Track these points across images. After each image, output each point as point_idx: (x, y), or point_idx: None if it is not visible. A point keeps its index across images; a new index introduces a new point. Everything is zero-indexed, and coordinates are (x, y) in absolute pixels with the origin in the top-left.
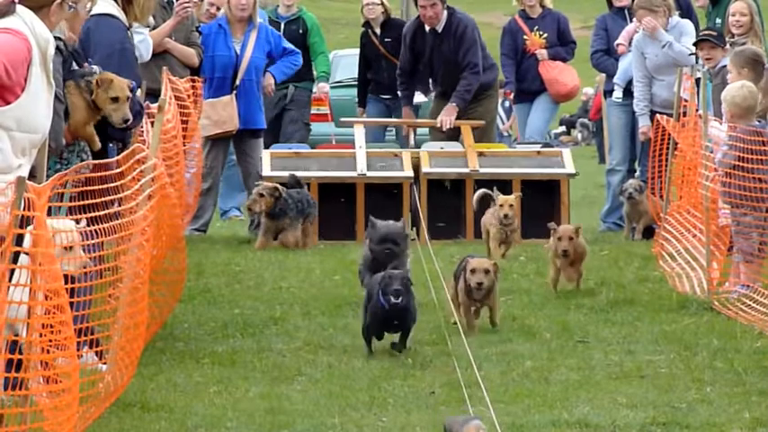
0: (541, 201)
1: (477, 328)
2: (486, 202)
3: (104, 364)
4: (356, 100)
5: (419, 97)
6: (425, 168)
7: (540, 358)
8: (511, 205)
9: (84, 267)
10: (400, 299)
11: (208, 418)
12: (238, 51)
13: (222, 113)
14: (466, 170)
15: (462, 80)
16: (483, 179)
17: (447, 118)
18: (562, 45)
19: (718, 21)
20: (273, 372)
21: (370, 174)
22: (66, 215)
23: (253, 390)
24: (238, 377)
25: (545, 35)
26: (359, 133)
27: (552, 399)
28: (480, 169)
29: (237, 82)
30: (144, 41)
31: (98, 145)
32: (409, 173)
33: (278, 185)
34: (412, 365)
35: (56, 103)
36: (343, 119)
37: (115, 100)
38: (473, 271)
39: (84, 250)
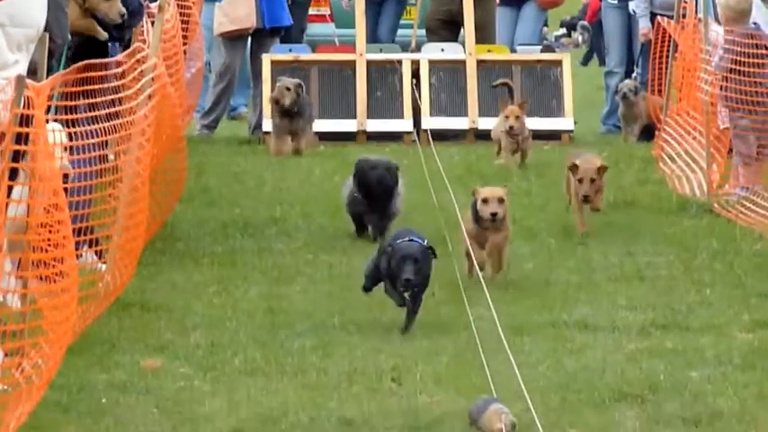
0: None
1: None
2: (503, 90)
3: (104, 263)
4: None
5: None
6: (425, 120)
7: (540, 260)
8: (517, 116)
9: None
10: (414, 278)
11: (207, 318)
12: None
13: (239, 11)
14: (465, 127)
15: None
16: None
17: None
18: None
19: None
20: (273, 272)
21: (370, 128)
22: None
23: (252, 290)
24: (238, 277)
25: None
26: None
27: (552, 300)
28: (479, 121)
29: None
30: None
31: (103, 35)
32: (408, 124)
33: (301, 82)
34: None
35: None
36: None
37: None
38: (485, 201)
39: (84, 150)
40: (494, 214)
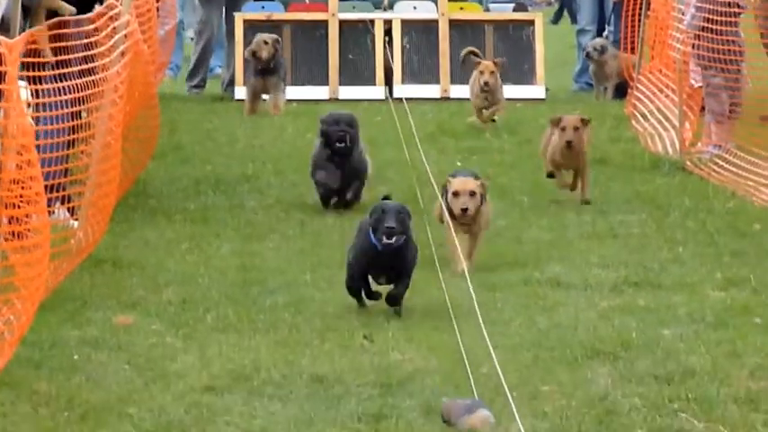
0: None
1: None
2: (471, 61)
3: (76, 220)
4: None
5: None
6: (398, 88)
7: (512, 218)
8: (492, 71)
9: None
10: (394, 239)
11: (179, 275)
12: None
13: None
14: (437, 95)
15: None
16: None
17: None
18: None
19: None
20: (246, 229)
21: (342, 96)
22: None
23: (225, 247)
24: (210, 234)
25: None
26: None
27: (525, 258)
28: (451, 88)
29: None
30: None
31: (69, 9)
32: (380, 92)
33: (278, 38)
34: None
35: None
36: None
37: None
38: (456, 194)
39: (55, 107)
40: (464, 210)
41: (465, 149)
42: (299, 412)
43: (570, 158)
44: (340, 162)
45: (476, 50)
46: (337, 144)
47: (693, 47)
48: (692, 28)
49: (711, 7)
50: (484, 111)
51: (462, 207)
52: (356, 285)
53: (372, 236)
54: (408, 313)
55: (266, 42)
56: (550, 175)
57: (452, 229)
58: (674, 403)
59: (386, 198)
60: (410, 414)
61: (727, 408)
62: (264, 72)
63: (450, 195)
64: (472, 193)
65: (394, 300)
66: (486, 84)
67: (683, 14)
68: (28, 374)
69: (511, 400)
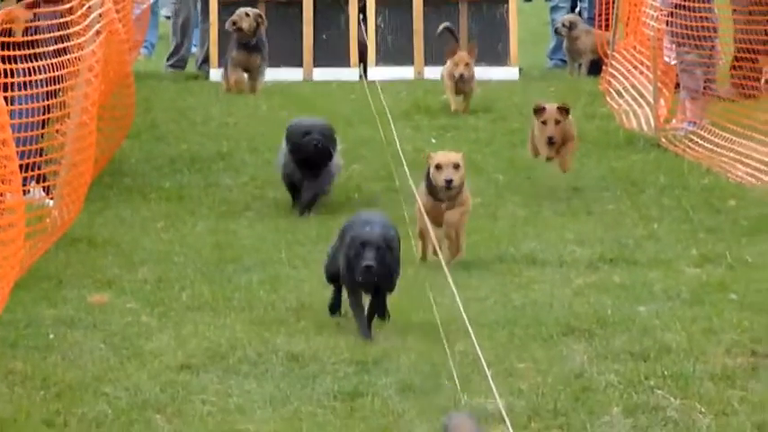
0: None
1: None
2: (448, 37)
3: (51, 199)
4: None
5: None
6: (372, 70)
7: (487, 194)
8: (467, 63)
9: None
10: (375, 278)
11: (155, 254)
12: None
13: None
14: (411, 77)
15: None
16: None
17: None
18: None
19: None
20: (221, 207)
21: (316, 77)
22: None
23: (200, 225)
24: (185, 212)
25: None
26: None
27: (500, 234)
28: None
29: None
30: None
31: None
32: (354, 74)
33: (261, 13)
34: (359, 201)
35: None
36: None
37: None
38: (439, 167)
39: (30, 86)
40: (449, 181)
41: (439, 127)
42: (275, 390)
43: (555, 151)
44: (310, 173)
45: (452, 28)
46: (308, 159)
47: (667, 24)
48: (666, 5)
49: None
50: (457, 98)
51: (447, 178)
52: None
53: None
54: None
55: (248, 15)
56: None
57: (428, 222)
58: (650, 380)
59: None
60: (386, 392)
61: (703, 384)
62: (247, 47)
63: (432, 170)
64: (456, 166)
65: (381, 313)
66: (461, 76)
67: None
68: (3, 353)
69: (489, 378)
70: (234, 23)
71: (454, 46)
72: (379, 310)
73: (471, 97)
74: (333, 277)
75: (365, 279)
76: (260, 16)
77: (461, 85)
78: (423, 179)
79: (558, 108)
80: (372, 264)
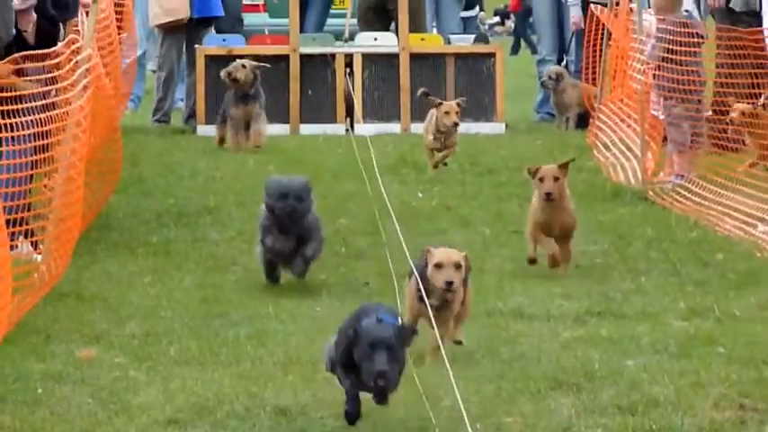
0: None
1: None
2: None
3: (39, 254)
4: None
5: None
6: (358, 127)
7: (474, 248)
8: (457, 113)
9: None
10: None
11: (142, 308)
12: None
13: (173, 2)
14: (397, 132)
15: None
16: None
17: None
18: None
19: None
20: (208, 261)
21: (303, 132)
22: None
23: (187, 279)
24: (173, 267)
25: None
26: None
27: (487, 288)
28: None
29: None
30: None
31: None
32: (341, 129)
33: (258, 64)
34: (346, 255)
35: None
36: None
37: None
38: (439, 266)
39: (18, 141)
40: (449, 284)
41: (426, 181)
42: None
43: (553, 215)
44: (290, 226)
45: (428, 92)
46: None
47: (654, 77)
48: (653, 59)
49: (672, 38)
50: (436, 153)
51: (447, 280)
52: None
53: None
54: None
55: (244, 66)
56: (532, 261)
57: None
58: None
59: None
60: None
61: None
62: (244, 99)
63: (431, 268)
64: (458, 266)
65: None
66: (455, 124)
67: (644, 45)
68: None
69: None
70: (229, 74)
71: (438, 99)
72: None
73: (450, 154)
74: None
75: (379, 385)
76: (256, 67)
77: (445, 138)
78: (411, 275)
79: (559, 166)
80: (386, 369)
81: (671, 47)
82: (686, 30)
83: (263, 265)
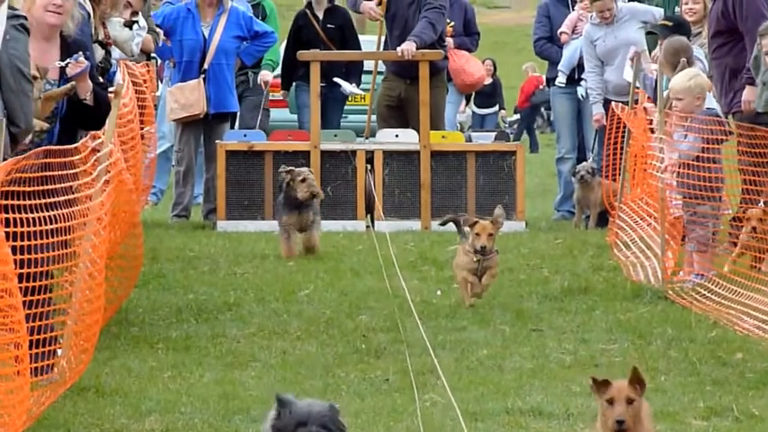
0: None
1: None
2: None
3: (59, 348)
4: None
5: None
6: (378, 224)
7: (494, 346)
8: (490, 234)
9: None
10: None
11: (162, 403)
12: (207, 35)
13: (189, 97)
14: (417, 229)
15: (422, 19)
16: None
17: (408, 48)
18: (467, 35)
19: (677, 9)
20: (227, 357)
21: (323, 228)
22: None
23: (207, 375)
24: (192, 362)
25: (452, 23)
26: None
27: (506, 387)
28: (432, 224)
29: (206, 66)
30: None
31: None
32: (361, 225)
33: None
34: (366, 352)
35: (25, 83)
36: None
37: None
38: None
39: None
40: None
41: (447, 279)
42: None
43: None
44: None
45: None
46: None
47: (679, 175)
48: (688, 158)
49: (707, 136)
50: (472, 282)
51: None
52: None
53: None
54: None
55: (304, 180)
56: None
57: None
58: None
59: None
60: None
61: None
62: (300, 207)
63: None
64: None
65: None
66: (483, 248)
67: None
68: None
69: None
70: (313, 195)
71: (471, 218)
72: None
73: (492, 280)
74: None
75: None
76: (311, 172)
77: (482, 262)
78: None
79: (631, 382)
80: None
81: (705, 145)
82: (719, 127)
83: None
